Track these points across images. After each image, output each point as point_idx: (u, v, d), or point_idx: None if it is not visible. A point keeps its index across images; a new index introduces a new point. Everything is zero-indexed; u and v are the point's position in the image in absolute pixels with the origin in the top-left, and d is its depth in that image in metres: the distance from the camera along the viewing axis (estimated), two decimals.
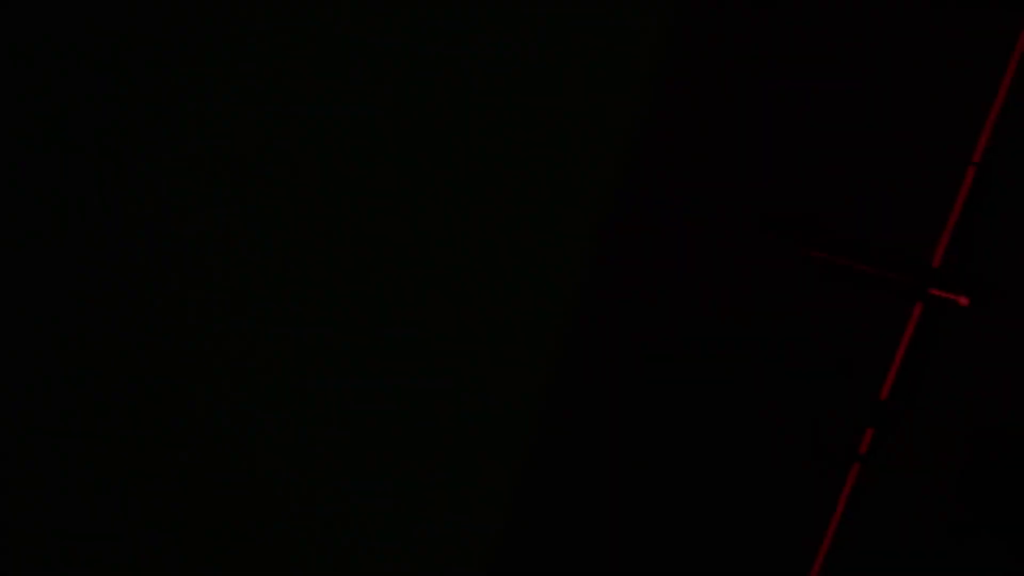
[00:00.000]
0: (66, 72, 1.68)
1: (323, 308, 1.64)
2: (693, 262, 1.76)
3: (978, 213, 1.60)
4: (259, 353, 1.64)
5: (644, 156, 1.71)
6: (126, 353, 1.68)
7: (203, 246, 1.68)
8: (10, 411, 1.63)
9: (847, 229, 1.74)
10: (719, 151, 1.74)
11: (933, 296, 1.56)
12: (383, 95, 1.62)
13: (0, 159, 1.67)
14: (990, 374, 2.31)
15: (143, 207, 1.65)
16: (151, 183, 1.65)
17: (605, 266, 1.74)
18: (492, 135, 1.63)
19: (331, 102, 1.61)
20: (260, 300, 1.63)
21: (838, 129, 1.81)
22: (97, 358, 1.69)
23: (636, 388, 1.76)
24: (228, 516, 1.63)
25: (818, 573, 1.64)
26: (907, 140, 1.81)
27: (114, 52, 1.67)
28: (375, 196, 1.61)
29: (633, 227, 1.72)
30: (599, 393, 1.73)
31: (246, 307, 1.65)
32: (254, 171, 1.64)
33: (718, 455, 1.75)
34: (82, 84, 1.69)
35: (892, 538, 1.79)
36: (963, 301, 1.43)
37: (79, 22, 1.68)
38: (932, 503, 1.82)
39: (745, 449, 1.76)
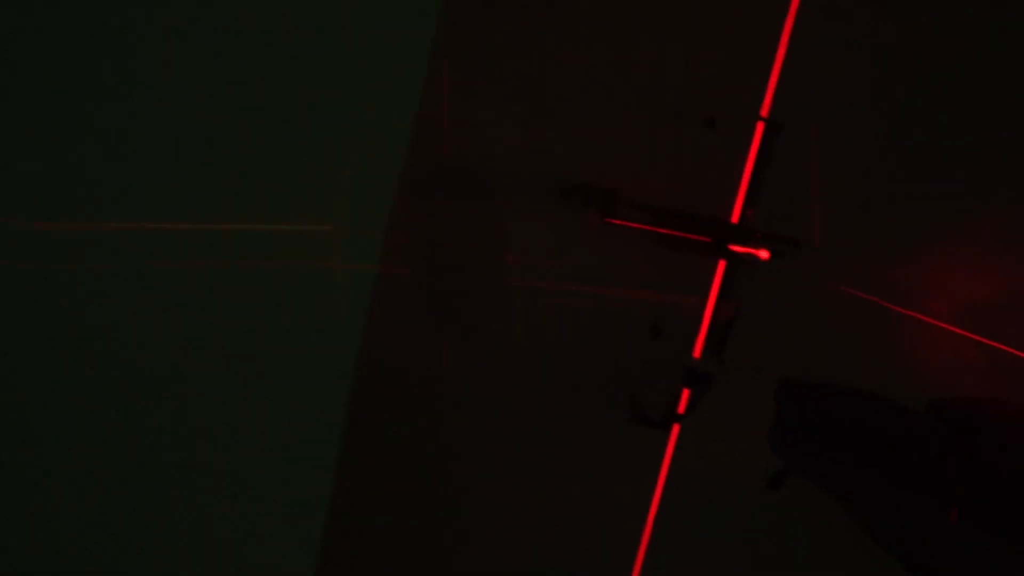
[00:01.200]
0: None
1: None
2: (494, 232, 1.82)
3: (770, 167, 1.71)
4: None
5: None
6: None
7: None
8: None
9: (647, 195, 1.82)
10: (515, 126, 1.83)
11: (734, 252, 1.67)
12: None
13: None
14: (794, 327, 2.50)
15: None
16: None
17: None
18: None
19: None
20: None
21: (631, 96, 1.91)
22: None
23: (438, 366, 1.84)
24: None
25: (650, 528, 1.71)
26: (698, 99, 1.92)
27: None
28: None
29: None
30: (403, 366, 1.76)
31: None
32: None
33: (544, 423, 1.80)
34: None
35: (714, 492, 1.90)
36: (763, 255, 1.56)
37: None
38: (747, 456, 1.96)
39: (568, 414, 1.83)
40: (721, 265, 2.07)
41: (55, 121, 1.73)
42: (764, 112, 1.80)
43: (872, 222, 3.45)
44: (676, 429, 1.91)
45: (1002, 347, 3.03)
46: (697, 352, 1.82)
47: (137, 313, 1.73)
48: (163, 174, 1.72)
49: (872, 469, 1.87)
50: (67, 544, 1.52)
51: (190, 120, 1.69)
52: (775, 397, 2.10)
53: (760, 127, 1.73)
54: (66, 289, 1.68)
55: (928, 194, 3.44)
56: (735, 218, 1.87)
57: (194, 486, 1.63)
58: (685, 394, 1.92)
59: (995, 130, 3.05)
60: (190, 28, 1.62)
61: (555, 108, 1.81)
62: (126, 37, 1.64)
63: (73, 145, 1.73)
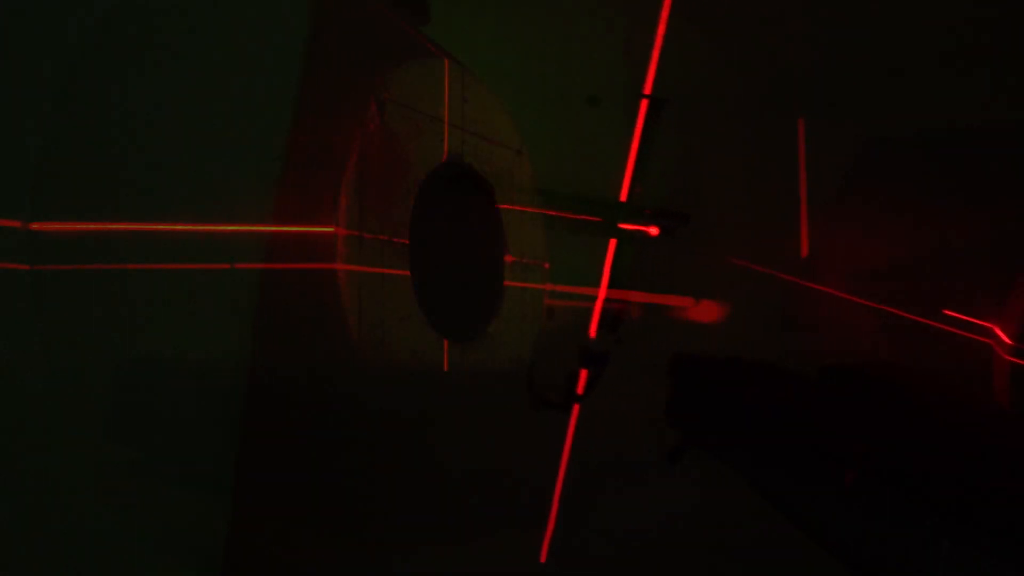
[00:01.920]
0: None
1: None
2: None
3: (655, 144, 1.76)
4: None
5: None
6: None
7: None
8: None
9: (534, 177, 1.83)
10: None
11: (624, 231, 1.72)
12: None
13: None
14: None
15: None
16: None
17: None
18: None
19: None
20: None
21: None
22: None
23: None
24: None
25: (557, 503, 1.75)
26: (579, 78, 1.96)
27: None
28: None
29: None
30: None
31: None
32: None
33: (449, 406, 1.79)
34: None
35: (617, 464, 1.98)
36: (653, 232, 1.63)
37: None
38: (646, 430, 2.06)
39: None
40: (612, 244, 2.07)
41: None
42: (647, 89, 1.80)
43: (757, 194, 3.64)
44: (576, 409, 1.89)
45: (890, 310, 3.24)
46: (593, 332, 1.81)
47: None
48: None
49: (768, 437, 1.95)
50: None
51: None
52: (668, 371, 2.14)
53: (644, 104, 1.72)
54: None
55: (811, 164, 3.67)
56: (623, 196, 1.87)
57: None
58: (583, 374, 1.91)
59: (892, 104, 3.30)
60: None
61: None
62: None
63: None
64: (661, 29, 1.96)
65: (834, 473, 1.78)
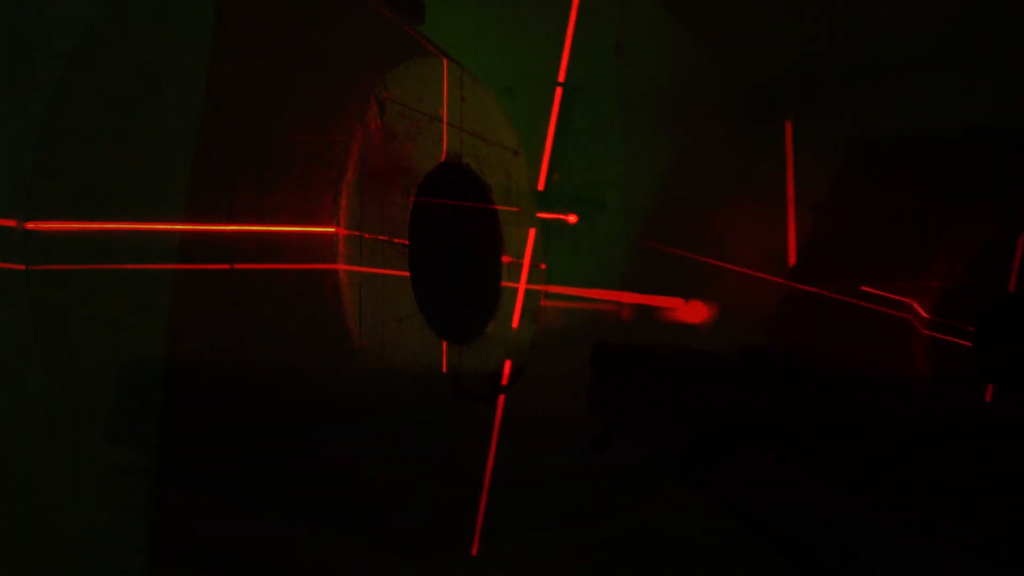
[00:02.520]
0: None
1: None
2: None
3: (571, 132, 1.75)
4: None
5: None
6: None
7: None
8: None
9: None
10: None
11: (543, 219, 1.70)
12: None
13: None
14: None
15: None
16: None
17: None
18: None
19: None
20: None
21: None
22: None
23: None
24: None
25: (487, 491, 1.74)
26: (496, 69, 1.92)
27: None
28: None
29: None
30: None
31: None
32: None
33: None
34: None
35: (542, 460, 1.96)
36: (572, 219, 1.62)
37: None
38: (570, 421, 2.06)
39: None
40: (531, 233, 2.05)
41: None
42: (561, 77, 1.78)
43: (675, 179, 3.66)
44: (502, 400, 1.86)
45: (806, 288, 3.26)
46: (515, 322, 1.78)
47: None
48: None
49: (689, 421, 1.95)
50: None
51: None
52: (591, 360, 2.14)
53: (559, 92, 1.71)
54: None
55: (727, 151, 3.69)
56: (541, 185, 1.85)
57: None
58: (507, 365, 1.88)
59: (781, 84, 3.35)
60: None
61: None
62: None
63: None
64: (573, 16, 1.93)
65: (756, 455, 1.78)
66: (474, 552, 1.71)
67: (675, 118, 3.61)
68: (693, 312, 3.77)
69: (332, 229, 1.62)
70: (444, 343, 1.86)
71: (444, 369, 1.85)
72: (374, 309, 1.68)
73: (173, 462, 1.56)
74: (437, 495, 1.69)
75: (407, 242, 1.77)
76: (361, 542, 1.56)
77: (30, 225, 1.60)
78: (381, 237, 1.71)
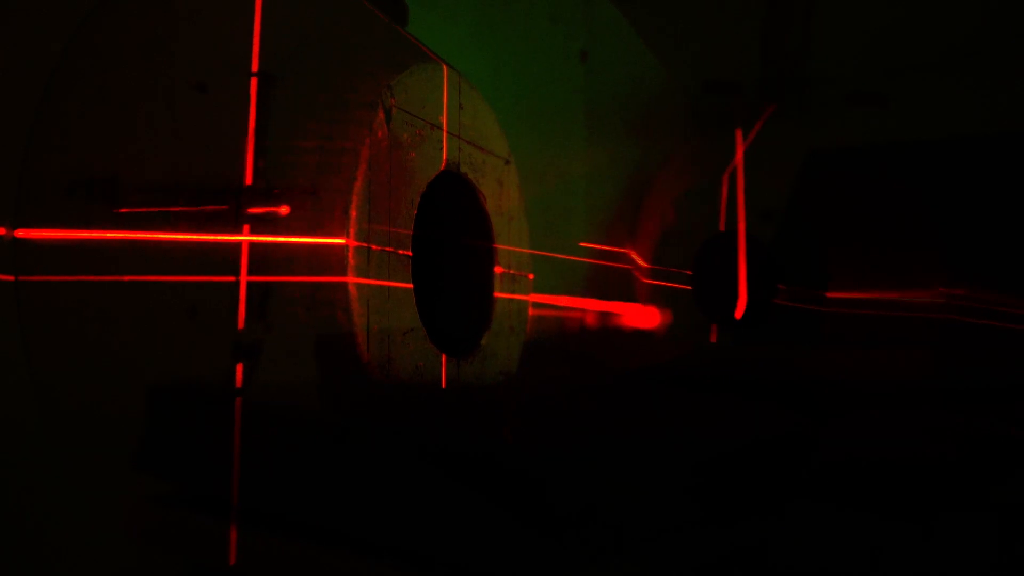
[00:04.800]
0: None
1: None
2: None
3: (269, 123, 1.71)
4: None
5: None
6: None
7: None
8: None
9: (156, 175, 1.75)
10: None
11: (253, 214, 1.68)
12: None
13: None
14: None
15: None
16: None
17: None
18: None
19: None
20: None
21: None
22: None
23: None
24: None
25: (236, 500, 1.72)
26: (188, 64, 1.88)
27: None
28: None
29: None
30: None
31: None
32: None
33: None
34: None
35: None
36: (284, 211, 1.61)
37: None
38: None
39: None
40: (245, 229, 1.95)
41: None
42: (254, 67, 1.73)
43: (634, 185, 3.71)
44: (239, 403, 1.79)
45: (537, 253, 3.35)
46: (241, 323, 1.72)
47: None
48: None
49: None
50: None
51: None
52: (314, 356, 2.02)
53: (254, 82, 1.68)
54: None
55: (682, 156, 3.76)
56: (248, 179, 1.79)
57: None
58: (240, 368, 1.81)
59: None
60: None
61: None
62: None
63: None
64: (259, 3, 1.83)
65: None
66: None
67: (635, 125, 3.65)
68: (648, 317, 3.82)
69: (342, 240, 1.56)
70: (443, 356, 1.82)
71: (443, 384, 1.82)
72: (381, 322, 1.63)
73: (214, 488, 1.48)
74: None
75: (411, 253, 1.72)
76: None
77: (19, 233, 1.49)
78: (387, 248, 1.66)
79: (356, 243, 1.58)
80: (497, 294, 2.05)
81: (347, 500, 1.53)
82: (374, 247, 1.63)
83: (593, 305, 3.34)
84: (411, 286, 1.72)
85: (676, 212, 3.59)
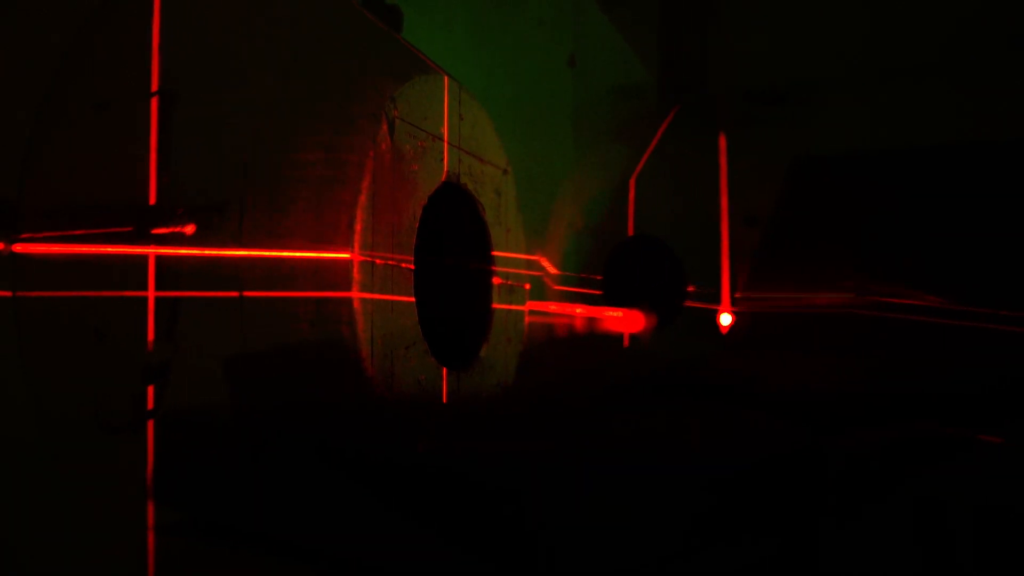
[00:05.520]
0: None
1: None
2: None
3: (171, 141, 1.69)
4: None
5: None
6: None
7: None
8: None
9: (58, 198, 1.72)
10: None
11: (158, 235, 1.66)
12: None
13: None
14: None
15: None
16: None
17: None
18: None
19: None
20: None
21: None
22: None
23: None
24: None
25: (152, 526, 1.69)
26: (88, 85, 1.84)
27: None
28: None
29: None
30: None
31: None
32: None
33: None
34: None
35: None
36: (189, 230, 1.60)
37: None
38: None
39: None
40: (151, 252, 1.90)
41: None
42: (154, 87, 1.70)
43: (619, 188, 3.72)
44: (151, 425, 1.75)
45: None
46: (150, 341, 1.69)
47: None
48: None
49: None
50: None
51: None
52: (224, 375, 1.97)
53: (154, 102, 1.66)
54: None
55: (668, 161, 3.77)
56: (152, 198, 1.75)
57: None
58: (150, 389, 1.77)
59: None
60: None
61: None
62: None
63: None
64: (156, 22, 1.79)
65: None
66: None
67: (621, 128, 3.65)
68: (633, 322, 3.83)
69: (347, 255, 1.54)
70: (444, 369, 1.81)
71: (444, 398, 1.80)
72: (384, 337, 1.62)
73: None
74: None
75: (413, 267, 1.71)
76: None
77: (18, 248, 1.45)
78: (391, 262, 1.64)
79: (361, 257, 1.56)
80: (495, 305, 2.04)
81: (342, 522, 1.52)
82: (378, 261, 1.61)
83: (576, 311, 3.34)
84: (413, 299, 1.71)
85: (584, 217, 3.61)
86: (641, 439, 1.87)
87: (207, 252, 1.49)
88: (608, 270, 3.67)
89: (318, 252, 1.54)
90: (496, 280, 2.04)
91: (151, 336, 1.59)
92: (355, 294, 1.55)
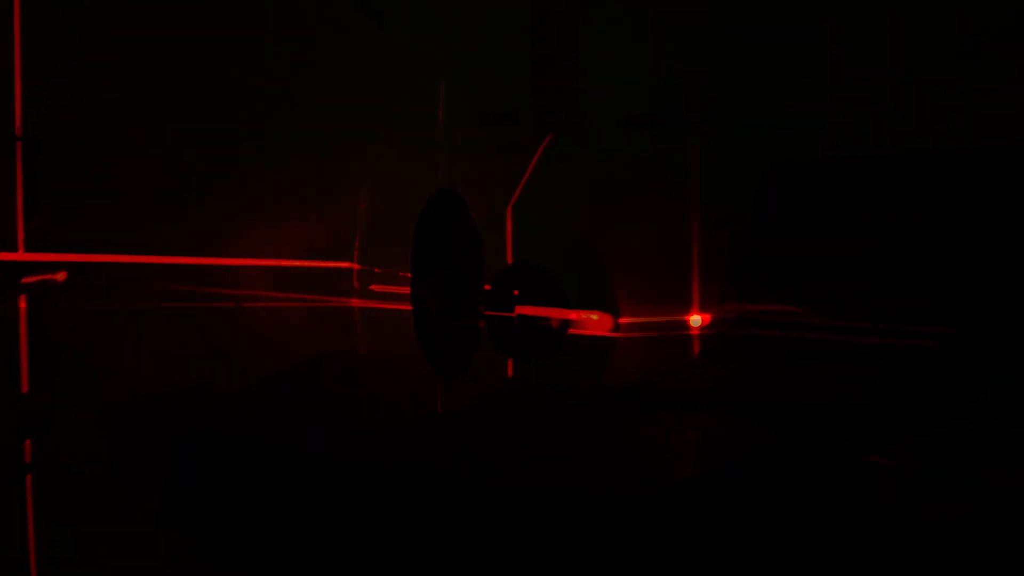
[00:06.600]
0: None
1: None
2: None
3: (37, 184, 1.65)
4: None
5: None
6: None
7: None
8: None
9: None
10: None
11: (31, 283, 1.61)
12: None
13: None
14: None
15: None
16: None
17: None
18: None
19: None
20: None
21: None
22: None
23: None
24: None
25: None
26: None
27: None
28: None
29: None
30: None
31: None
32: None
33: None
34: None
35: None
36: (60, 277, 1.57)
37: None
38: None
39: None
40: (22, 300, 1.82)
41: None
42: (17, 131, 1.66)
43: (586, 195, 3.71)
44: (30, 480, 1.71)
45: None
46: (24, 388, 1.64)
47: None
48: None
49: None
50: None
51: None
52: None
53: (19, 146, 1.61)
54: None
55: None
56: (20, 247, 1.69)
57: None
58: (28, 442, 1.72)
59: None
60: None
61: None
62: None
63: None
64: (18, 62, 1.72)
65: None
66: None
67: (591, 136, 3.65)
68: (601, 324, 3.84)
69: (347, 264, 1.53)
70: (439, 377, 1.81)
71: (439, 408, 1.80)
72: (383, 345, 1.61)
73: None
74: None
75: (410, 275, 1.70)
76: None
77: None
78: (388, 270, 1.63)
79: (360, 266, 1.55)
80: (487, 312, 2.03)
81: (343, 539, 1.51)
82: (376, 269, 1.60)
83: (555, 313, 3.35)
84: (410, 308, 1.70)
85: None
86: None
87: (207, 261, 1.46)
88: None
89: (318, 261, 1.53)
90: (487, 286, 2.04)
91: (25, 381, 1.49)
92: (355, 302, 1.54)
